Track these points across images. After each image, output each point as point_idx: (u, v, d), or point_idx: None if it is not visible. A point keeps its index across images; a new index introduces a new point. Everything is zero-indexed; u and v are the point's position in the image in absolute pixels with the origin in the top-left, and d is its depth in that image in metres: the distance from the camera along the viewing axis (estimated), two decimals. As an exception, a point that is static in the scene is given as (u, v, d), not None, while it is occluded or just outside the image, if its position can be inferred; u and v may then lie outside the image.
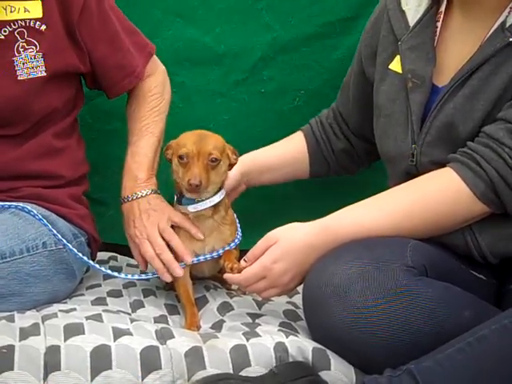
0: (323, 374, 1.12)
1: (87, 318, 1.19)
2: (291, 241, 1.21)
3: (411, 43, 1.30)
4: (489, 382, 1.01)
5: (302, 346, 1.14)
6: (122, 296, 1.40)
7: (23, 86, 1.32)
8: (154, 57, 1.53)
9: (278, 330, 1.19)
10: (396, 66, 1.34)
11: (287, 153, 1.56)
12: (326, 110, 1.60)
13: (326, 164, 1.58)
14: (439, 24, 1.30)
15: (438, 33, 1.30)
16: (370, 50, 1.42)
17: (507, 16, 1.21)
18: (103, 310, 1.26)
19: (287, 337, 1.15)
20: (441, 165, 1.24)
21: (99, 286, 1.45)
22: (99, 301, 1.35)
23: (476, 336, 1.02)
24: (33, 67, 1.32)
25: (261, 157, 1.54)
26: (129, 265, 1.64)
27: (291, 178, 1.58)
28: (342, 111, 1.56)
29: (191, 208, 1.32)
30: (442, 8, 1.31)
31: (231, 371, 1.09)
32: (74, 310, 1.26)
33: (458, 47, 1.28)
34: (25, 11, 1.32)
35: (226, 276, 1.26)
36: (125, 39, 1.46)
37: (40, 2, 1.33)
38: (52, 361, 1.05)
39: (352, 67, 1.52)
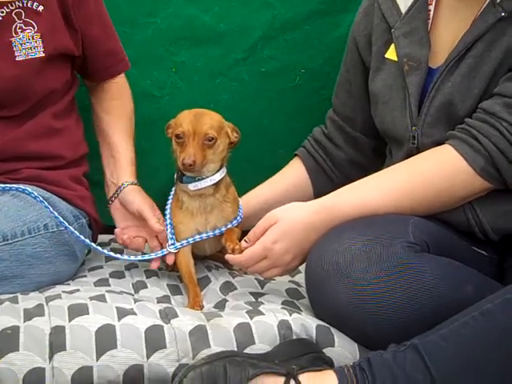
0: (327, 351, 1.12)
1: (91, 298, 1.19)
2: (292, 220, 1.21)
3: (404, 29, 1.30)
4: (492, 355, 1.01)
5: (305, 323, 1.14)
6: (124, 277, 1.40)
7: (22, 66, 1.32)
8: None
9: (281, 307, 1.20)
10: (391, 54, 1.33)
11: (288, 184, 1.50)
12: (317, 127, 1.56)
13: (329, 181, 1.52)
14: (432, 7, 1.30)
15: (431, 17, 1.30)
16: (365, 40, 1.42)
17: None
18: (106, 291, 1.26)
19: (291, 314, 1.16)
20: (442, 145, 1.23)
21: (101, 267, 1.46)
22: (102, 282, 1.35)
23: (480, 310, 1.02)
24: (31, 48, 1.32)
25: (265, 197, 1.46)
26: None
27: None
28: (342, 114, 1.51)
29: (192, 186, 1.32)
30: None
31: (235, 349, 1.10)
32: (78, 291, 1.26)
33: (451, 28, 1.28)
34: None
35: (228, 257, 1.26)
36: (113, 30, 1.49)
37: None
38: (57, 341, 1.06)
39: (345, 63, 1.49)
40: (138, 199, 1.42)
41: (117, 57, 1.50)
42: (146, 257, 1.39)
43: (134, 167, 1.49)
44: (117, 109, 1.53)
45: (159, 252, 1.36)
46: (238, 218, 1.36)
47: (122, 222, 1.44)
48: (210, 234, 1.34)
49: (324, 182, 1.52)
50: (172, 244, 1.34)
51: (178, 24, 1.64)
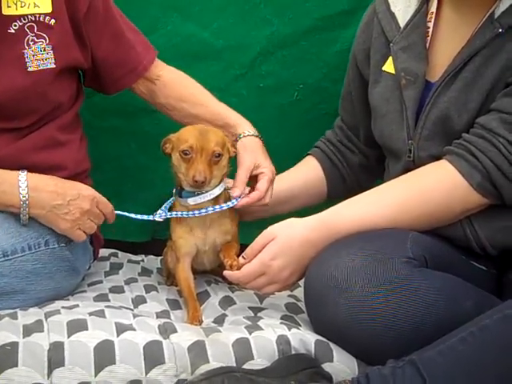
0: (326, 366, 1.12)
1: (90, 314, 1.19)
2: (289, 236, 1.22)
3: (403, 44, 1.32)
4: (491, 371, 1.01)
5: (304, 338, 1.14)
6: (123, 292, 1.40)
7: (33, 77, 1.33)
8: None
9: (280, 322, 1.20)
10: (389, 67, 1.35)
11: (305, 179, 1.52)
12: (329, 130, 1.59)
13: (343, 184, 1.55)
14: (431, 24, 1.31)
15: (430, 33, 1.31)
16: (364, 54, 1.44)
17: (496, 8, 1.21)
18: (106, 306, 1.26)
19: (289, 329, 1.16)
20: (438, 158, 1.25)
21: (101, 282, 1.46)
22: (101, 297, 1.35)
23: (478, 326, 1.02)
24: (42, 59, 1.34)
25: (282, 187, 1.47)
26: (130, 261, 1.64)
27: (309, 204, 1.53)
28: (348, 123, 1.55)
29: (191, 201, 1.32)
30: (433, 8, 1.32)
31: (234, 364, 1.10)
32: (77, 306, 1.27)
33: (450, 43, 1.29)
34: (34, 6, 1.33)
35: (226, 273, 1.27)
36: (129, 37, 1.48)
37: None
38: (56, 357, 1.06)
39: (348, 76, 1.52)
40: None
41: (127, 67, 1.48)
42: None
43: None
44: (175, 91, 1.51)
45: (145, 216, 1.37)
46: (231, 202, 1.33)
47: None
48: (211, 208, 1.31)
49: (338, 181, 1.55)
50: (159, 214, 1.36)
51: (177, 40, 1.66)
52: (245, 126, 1.44)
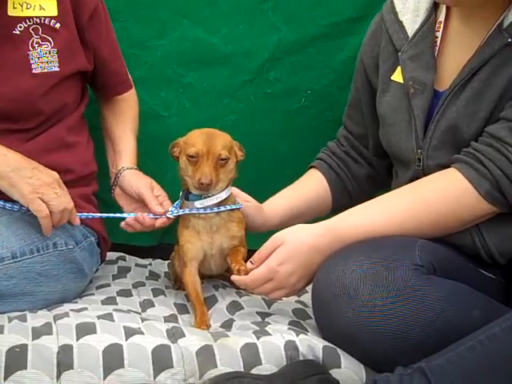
0: (333, 373, 1.12)
1: (99, 317, 1.19)
2: (297, 242, 1.22)
3: (411, 53, 1.32)
4: (499, 379, 1.01)
5: (312, 344, 1.15)
6: (131, 296, 1.41)
7: (38, 79, 1.34)
8: None
9: (288, 328, 1.20)
10: (397, 76, 1.35)
11: (311, 195, 1.50)
12: (332, 142, 1.57)
13: (348, 196, 1.53)
14: (439, 34, 1.32)
15: (438, 43, 1.32)
16: (372, 62, 1.44)
17: (504, 18, 1.22)
18: (114, 310, 1.27)
19: (297, 335, 1.16)
20: (447, 167, 1.25)
21: (109, 285, 1.47)
22: (109, 300, 1.36)
23: (487, 334, 1.02)
24: (47, 62, 1.35)
25: (283, 206, 1.45)
26: (137, 265, 1.65)
27: (313, 217, 1.50)
28: (355, 133, 1.53)
29: (198, 204, 1.33)
30: (442, 18, 1.33)
31: (242, 369, 1.10)
32: (85, 309, 1.27)
33: (458, 53, 1.29)
34: (40, 9, 1.35)
35: (233, 278, 1.27)
36: (119, 51, 1.55)
37: (55, 2, 1.36)
38: (65, 360, 1.06)
39: (355, 83, 1.51)
40: (135, 182, 1.44)
41: (122, 77, 1.56)
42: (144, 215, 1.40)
43: (134, 156, 1.53)
44: (121, 109, 1.58)
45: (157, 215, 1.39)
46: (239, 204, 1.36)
47: (128, 207, 1.46)
48: (215, 209, 1.33)
49: (342, 193, 1.53)
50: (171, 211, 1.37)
51: (185, 46, 1.67)
52: (127, 161, 1.51)
